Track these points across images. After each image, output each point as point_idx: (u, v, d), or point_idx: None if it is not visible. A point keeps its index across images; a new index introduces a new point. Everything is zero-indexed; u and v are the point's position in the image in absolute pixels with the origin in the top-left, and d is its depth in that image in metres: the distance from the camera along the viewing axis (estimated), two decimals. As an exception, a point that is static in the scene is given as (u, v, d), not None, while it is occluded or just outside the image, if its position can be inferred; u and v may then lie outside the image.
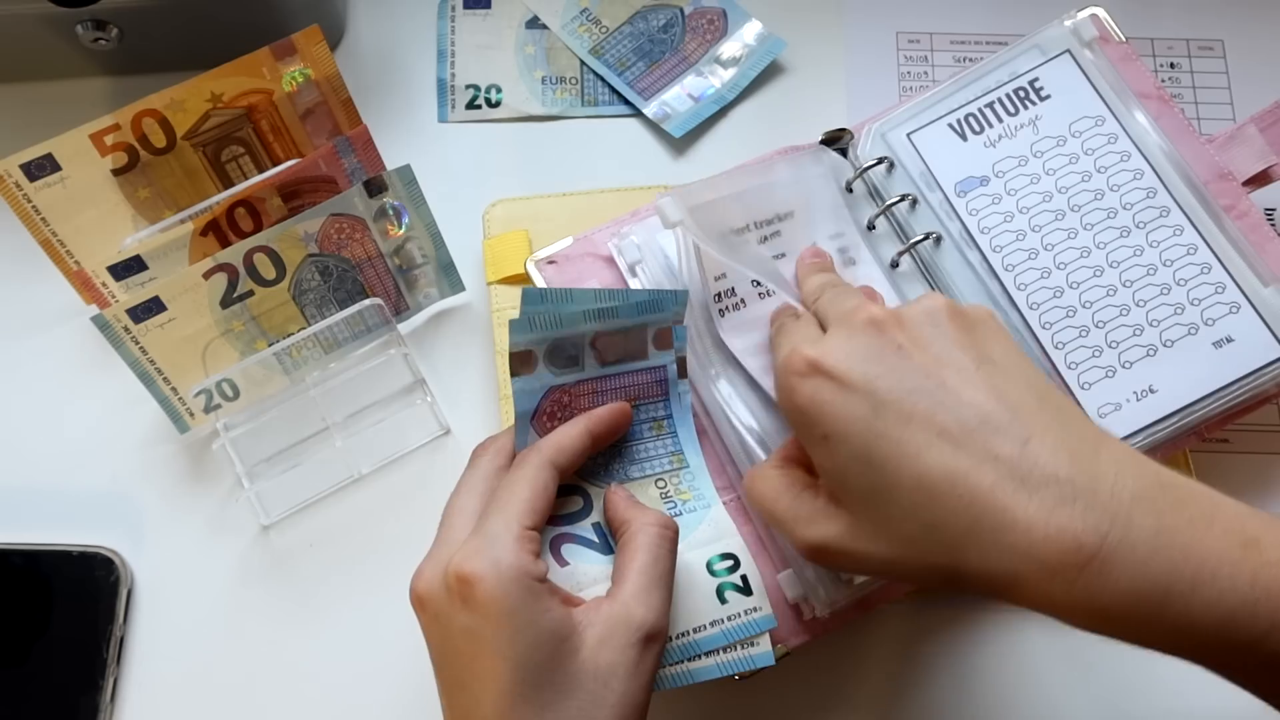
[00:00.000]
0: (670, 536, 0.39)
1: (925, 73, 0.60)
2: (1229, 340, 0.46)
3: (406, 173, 0.50)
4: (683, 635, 0.40)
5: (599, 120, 0.59)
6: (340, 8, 0.60)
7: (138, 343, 0.48)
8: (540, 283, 0.49)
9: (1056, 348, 0.47)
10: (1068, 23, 0.50)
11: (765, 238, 0.46)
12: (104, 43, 0.55)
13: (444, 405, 0.53)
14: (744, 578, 0.41)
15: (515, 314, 0.51)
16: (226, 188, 0.53)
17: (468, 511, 0.38)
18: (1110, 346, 0.46)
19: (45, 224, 0.50)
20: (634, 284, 0.48)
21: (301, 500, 0.52)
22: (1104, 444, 0.33)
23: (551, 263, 0.50)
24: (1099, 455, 0.33)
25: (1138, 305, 0.47)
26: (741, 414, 0.45)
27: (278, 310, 0.51)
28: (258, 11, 0.55)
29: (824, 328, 0.39)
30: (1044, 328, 0.47)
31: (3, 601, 0.49)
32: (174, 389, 0.50)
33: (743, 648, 0.40)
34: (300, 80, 0.51)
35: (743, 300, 0.45)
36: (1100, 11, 0.51)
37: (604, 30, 0.61)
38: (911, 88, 0.60)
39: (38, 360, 0.54)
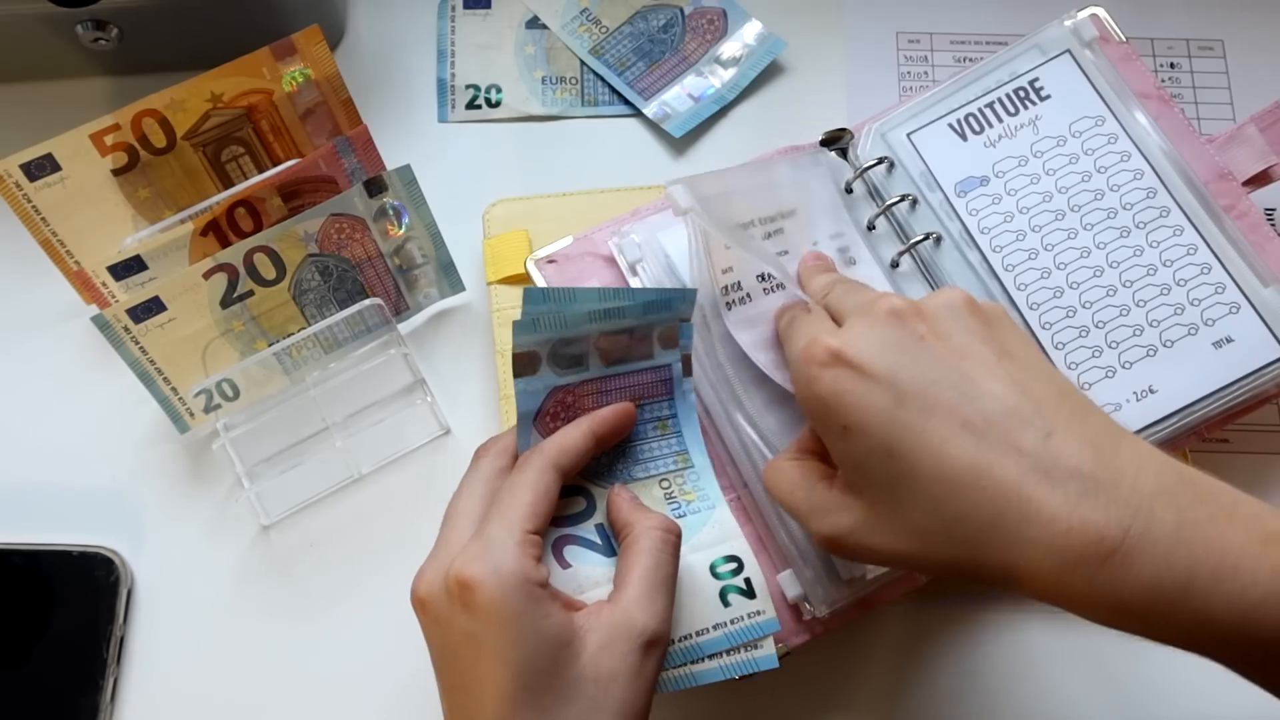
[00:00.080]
0: (673, 541, 0.38)
1: (925, 73, 0.60)
2: (1229, 340, 0.46)
3: (406, 173, 0.50)
4: (685, 638, 0.40)
5: (599, 120, 0.59)
6: (340, 8, 0.60)
7: (138, 343, 0.48)
8: (540, 282, 0.49)
9: (1056, 348, 0.47)
10: (1068, 23, 0.50)
11: (769, 234, 0.46)
12: (104, 43, 0.55)
13: (444, 405, 0.53)
14: (747, 580, 0.41)
15: (517, 313, 0.51)
16: (226, 188, 0.53)
17: (469, 513, 0.38)
18: (1110, 346, 0.46)
19: (45, 224, 0.50)
20: (634, 283, 0.48)
21: (301, 500, 0.52)
22: (1124, 439, 0.33)
23: (551, 262, 0.50)
24: (1119, 450, 0.33)
25: (1138, 305, 0.47)
26: (746, 412, 0.45)
27: (278, 310, 0.51)
28: (258, 11, 0.55)
29: (838, 321, 0.39)
30: (1044, 328, 0.47)
31: (3, 601, 0.49)
32: (174, 389, 0.50)
33: (746, 650, 0.40)
34: (300, 80, 0.51)
35: (748, 295, 0.45)
36: (1100, 11, 0.51)
37: (604, 30, 0.61)
38: (911, 88, 0.60)
39: (38, 360, 0.54)
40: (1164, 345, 0.46)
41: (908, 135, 0.50)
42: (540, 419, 0.41)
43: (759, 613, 0.41)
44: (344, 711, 0.49)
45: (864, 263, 0.48)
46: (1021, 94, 0.50)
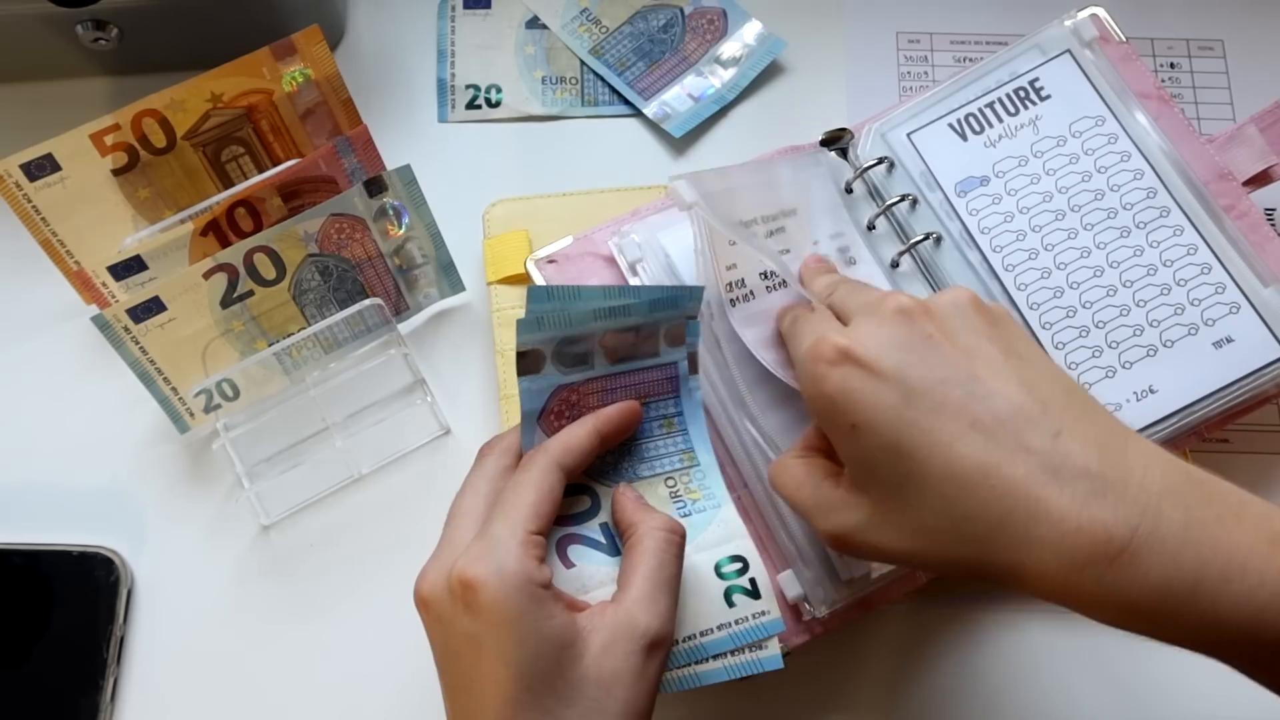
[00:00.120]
0: (677, 542, 0.38)
1: (925, 73, 0.60)
2: (1229, 340, 0.46)
3: (406, 173, 0.50)
4: (689, 639, 0.39)
5: (599, 120, 0.59)
6: (340, 8, 0.60)
7: (138, 343, 0.48)
8: (540, 282, 0.49)
9: (1057, 347, 0.47)
10: (1068, 23, 0.50)
11: (771, 233, 0.46)
12: (104, 43, 0.55)
13: (444, 405, 0.53)
14: (752, 580, 0.41)
15: (517, 313, 0.51)
16: (226, 188, 0.53)
17: (472, 513, 0.38)
18: (1110, 346, 0.46)
19: (45, 224, 0.50)
20: (634, 283, 0.48)
21: (301, 500, 0.52)
22: (1130, 439, 0.33)
23: (551, 262, 0.50)
24: (1127, 450, 0.33)
25: (1138, 305, 0.47)
26: (749, 411, 0.45)
27: (278, 310, 0.51)
28: (258, 11, 0.55)
29: (843, 321, 0.39)
30: (1044, 327, 0.47)
31: (3, 601, 0.49)
32: (174, 389, 0.50)
33: (751, 651, 0.40)
34: (300, 80, 0.51)
35: (751, 292, 0.45)
36: (1100, 11, 0.51)
37: (604, 30, 0.61)
38: (911, 88, 0.60)
39: (38, 360, 0.54)
40: (1164, 345, 0.46)
41: (908, 135, 0.50)
42: (544, 417, 0.40)
43: (764, 613, 0.40)
44: (344, 711, 0.49)
45: (864, 262, 0.48)
46: (1021, 94, 0.50)
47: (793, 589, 0.44)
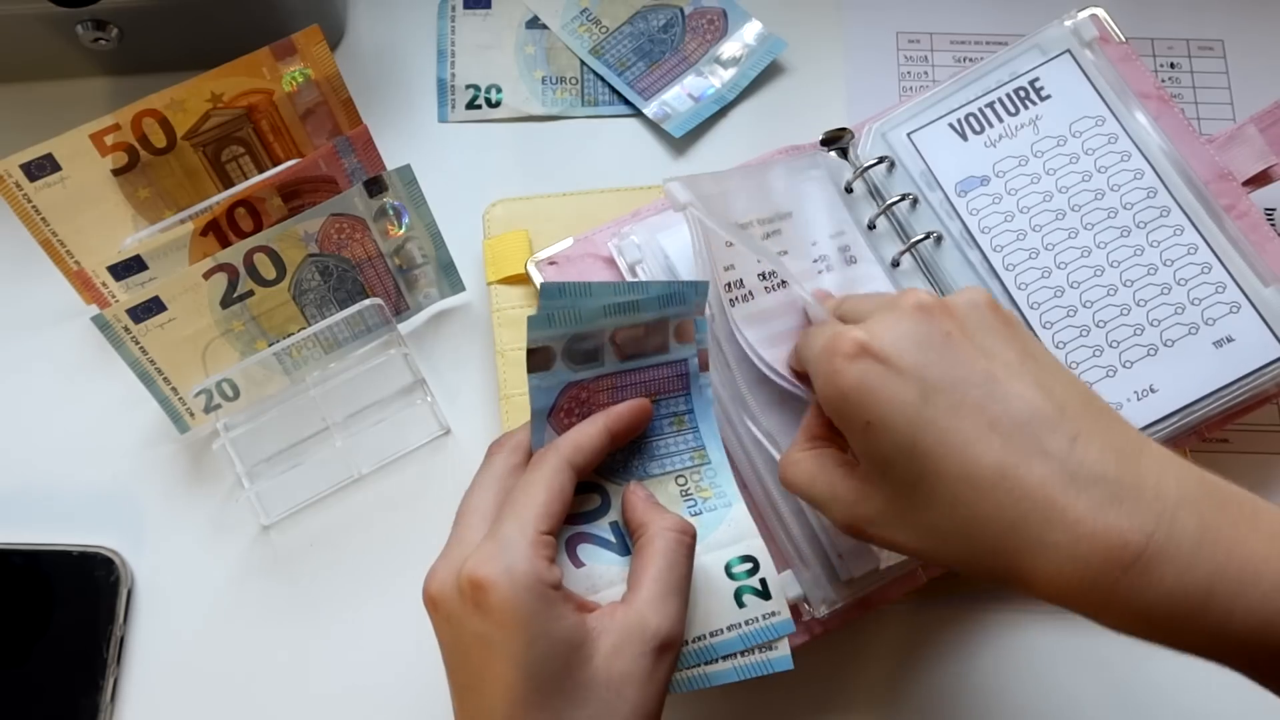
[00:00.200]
0: (688, 543, 0.38)
1: (925, 73, 0.60)
2: (1229, 340, 0.46)
3: (406, 173, 0.50)
4: (699, 639, 0.39)
5: (599, 120, 0.59)
6: (340, 8, 0.60)
7: (138, 343, 0.48)
8: (540, 283, 0.49)
9: (1057, 346, 0.47)
10: (1068, 23, 0.50)
11: (768, 235, 0.46)
12: (104, 43, 0.55)
13: (444, 405, 0.53)
14: (763, 581, 0.40)
15: (517, 313, 0.51)
16: (226, 188, 0.53)
17: (482, 511, 0.37)
18: (1111, 346, 0.46)
19: (45, 224, 0.50)
20: (635, 284, 0.48)
21: (301, 500, 0.51)
22: (1146, 446, 0.33)
23: (552, 263, 0.50)
24: (1142, 456, 0.33)
25: (1138, 305, 0.47)
26: (750, 411, 0.45)
27: (278, 310, 0.51)
28: (258, 11, 0.55)
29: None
30: (1045, 326, 0.47)
31: (3, 601, 0.49)
32: (174, 389, 0.50)
33: (761, 651, 0.40)
34: (300, 80, 0.51)
35: (750, 292, 0.45)
36: (1100, 11, 0.51)
37: (604, 30, 0.61)
38: (911, 88, 0.60)
39: (38, 360, 0.54)
40: (1164, 344, 0.46)
41: (908, 135, 0.50)
42: (554, 415, 0.40)
43: (774, 614, 0.40)
44: (344, 711, 0.49)
45: (865, 261, 0.48)
46: (1022, 94, 0.50)
47: (792, 589, 0.44)
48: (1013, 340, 0.35)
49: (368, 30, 0.61)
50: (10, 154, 0.49)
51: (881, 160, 0.49)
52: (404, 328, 0.55)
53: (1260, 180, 0.49)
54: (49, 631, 0.49)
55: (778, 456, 0.44)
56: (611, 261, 0.49)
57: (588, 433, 0.39)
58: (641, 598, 0.36)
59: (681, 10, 0.61)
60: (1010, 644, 0.49)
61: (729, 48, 0.60)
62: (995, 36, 0.61)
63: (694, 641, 0.39)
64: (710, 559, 0.41)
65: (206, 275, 0.49)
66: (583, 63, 0.60)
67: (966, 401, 0.33)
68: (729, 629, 0.40)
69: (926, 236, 0.48)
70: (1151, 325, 0.46)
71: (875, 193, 0.50)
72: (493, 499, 0.38)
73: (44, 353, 0.54)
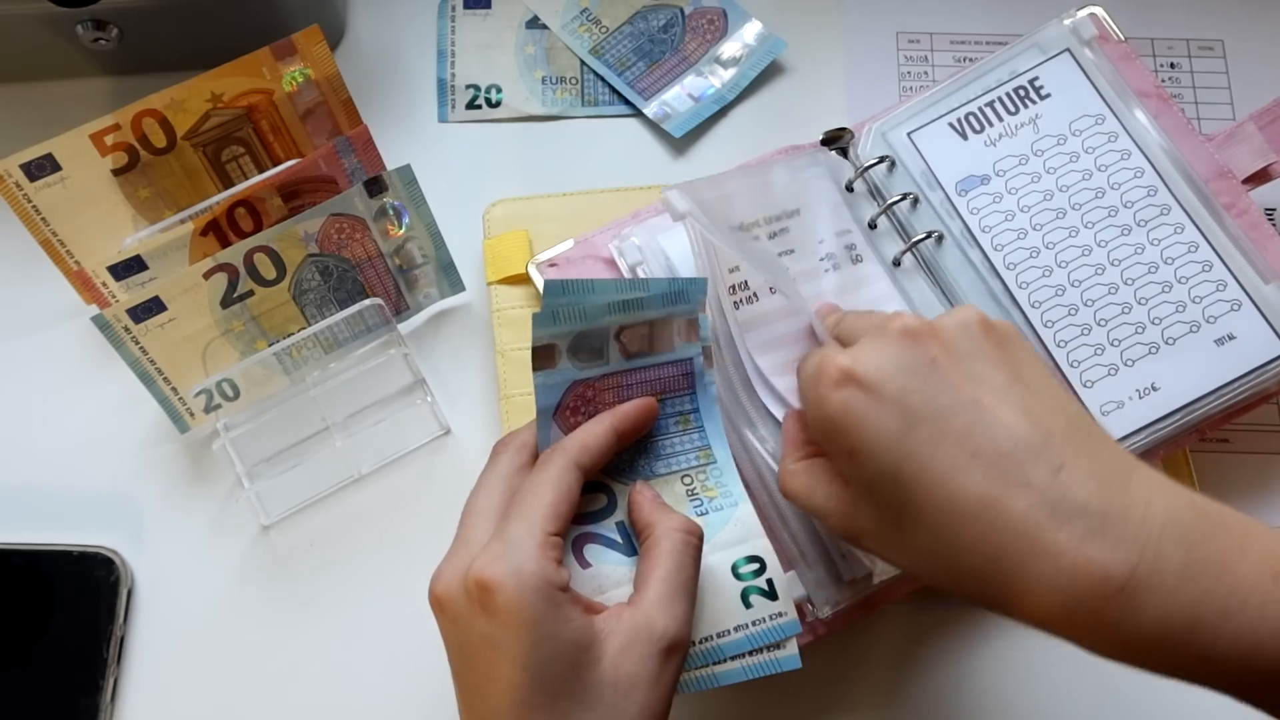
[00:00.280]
0: (695, 544, 0.38)
1: (925, 73, 0.60)
2: (1230, 338, 0.46)
3: (406, 173, 0.50)
4: (706, 640, 0.39)
5: (599, 120, 0.59)
6: (340, 8, 0.60)
7: (138, 343, 0.48)
8: (541, 285, 0.49)
9: (1059, 345, 0.47)
10: (1067, 22, 0.50)
11: (774, 234, 0.46)
12: (104, 43, 0.55)
13: (444, 405, 0.53)
14: (769, 581, 0.40)
15: (516, 313, 0.51)
16: (226, 188, 0.53)
17: (488, 512, 0.37)
18: (1112, 344, 0.46)
19: (45, 224, 0.50)
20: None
21: (301, 500, 0.51)
22: (1135, 471, 0.33)
23: (552, 265, 0.50)
24: (1130, 483, 0.32)
25: (1139, 303, 0.47)
26: (748, 416, 0.45)
27: (278, 310, 0.51)
28: (258, 11, 0.55)
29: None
30: (1046, 326, 0.47)
31: (3, 601, 0.49)
32: (174, 389, 0.50)
33: (769, 651, 0.40)
34: (300, 80, 0.51)
35: (755, 294, 0.45)
36: (1099, 10, 0.51)
37: (604, 30, 0.61)
38: (911, 88, 0.60)
39: (38, 360, 0.54)
40: (1166, 342, 0.46)
41: (908, 134, 0.50)
42: (560, 413, 0.40)
43: (781, 614, 0.40)
44: (344, 711, 0.48)
45: (870, 260, 0.48)
46: (1021, 93, 0.50)
47: (795, 589, 0.44)
48: (1002, 363, 0.35)
49: (368, 30, 0.61)
50: (10, 154, 0.49)
51: (882, 160, 0.49)
52: (404, 328, 0.55)
53: (1260, 178, 0.49)
54: (49, 631, 0.49)
55: (774, 464, 0.44)
56: (612, 263, 0.49)
57: (594, 432, 0.39)
58: (648, 599, 0.36)
59: (681, 10, 0.61)
60: (1012, 644, 0.49)
61: (729, 48, 0.60)
62: (995, 36, 0.61)
63: (701, 642, 0.39)
64: (717, 559, 0.40)
65: (206, 275, 0.49)
66: (583, 63, 0.60)
67: (950, 430, 0.33)
68: (736, 630, 0.40)
69: (927, 236, 0.48)
70: (1153, 323, 0.46)
71: (876, 192, 0.50)
72: (499, 499, 0.38)
73: (44, 353, 0.54)
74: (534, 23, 0.61)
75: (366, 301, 0.52)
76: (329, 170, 0.51)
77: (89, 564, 0.50)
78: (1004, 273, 0.48)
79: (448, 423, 0.53)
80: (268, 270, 0.50)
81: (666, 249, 0.47)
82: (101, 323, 0.47)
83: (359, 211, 0.50)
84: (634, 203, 0.51)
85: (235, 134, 0.52)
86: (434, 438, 0.53)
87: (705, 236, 0.44)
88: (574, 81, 0.60)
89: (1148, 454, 0.46)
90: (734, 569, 0.40)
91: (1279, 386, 0.46)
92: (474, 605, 0.34)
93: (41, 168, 0.49)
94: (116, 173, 0.51)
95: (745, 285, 0.45)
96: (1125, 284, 0.47)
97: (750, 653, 0.40)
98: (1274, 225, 0.50)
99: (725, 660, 0.39)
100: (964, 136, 0.49)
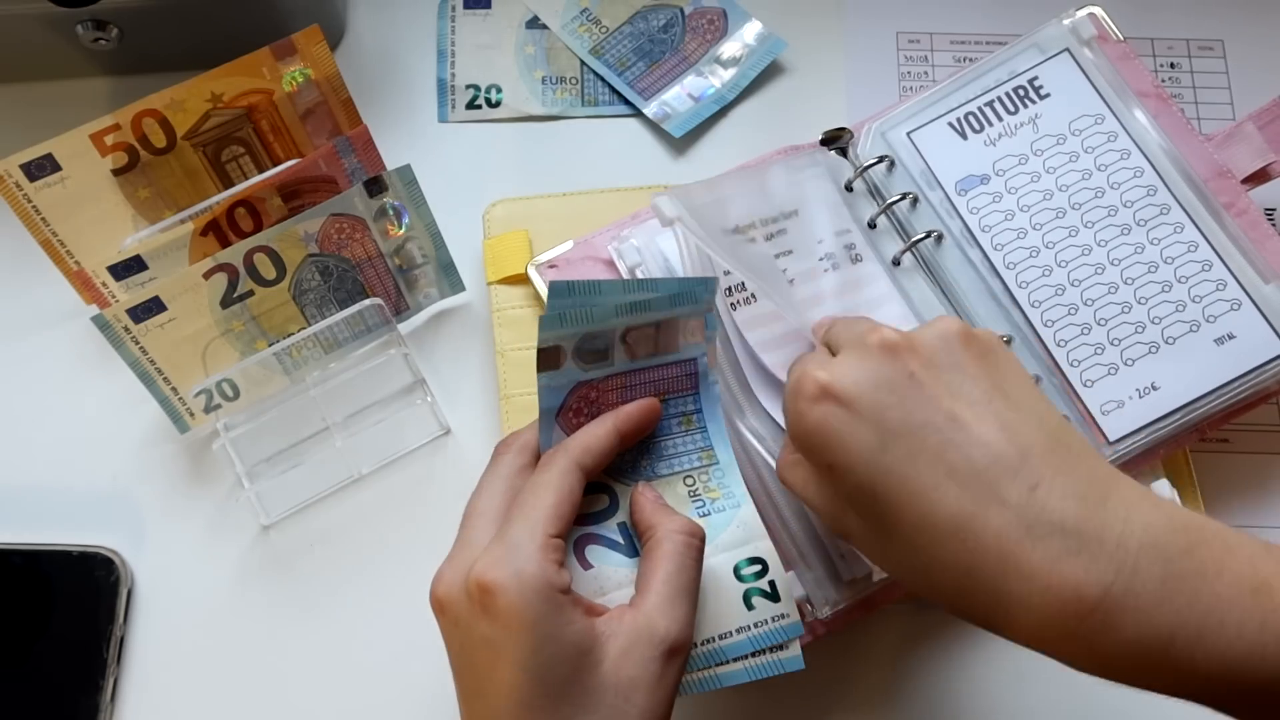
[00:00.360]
0: (697, 546, 0.38)
1: (925, 73, 0.60)
2: (1230, 337, 0.46)
3: (406, 173, 0.50)
4: (708, 642, 0.39)
5: (599, 120, 0.59)
6: (340, 8, 0.60)
7: (138, 343, 0.48)
8: (541, 287, 0.49)
9: (1059, 345, 0.47)
10: (1066, 21, 0.50)
11: (770, 235, 0.46)
12: (104, 43, 0.55)
13: (444, 405, 0.53)
14: (771, 583, 0.40)
15: (516, 313, 0.51)
16: (226, 188, 0.53)
17: (489, 513, 0.37)
18: (1112, 344, 0.46)
19: (45, 224, 0.50)
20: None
21: (301, 500, 0.51)
22: (1114, 486, 0.33)
23: (552, 266, 0.50)
24: (1108, 500, 0.32)
25: (1139, 302, 0.47)
26: (746, 416, 0.45)
27: (278, 310, 0.51)
28: (258, 11, 0.55)
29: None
30: (1046, 325, 0.47)
31: (3, 601, 0.49)
32: (174, 389, 0.50)
33: (771, 653, 0.40)
34: (300, 80, 0.51)
35: (752, 295, 0.45)
36: (1098, 10, 0.51)
37: (604, 30, 0.61)
38: (911, 88, 0.60)
39: (38, 360, 0.54)
40: (1166, 342, 0.46)
41: (908, 134, 0.50)
42: (563, 415, 0.40)
43: (783, 616, 0.40)
44: (344, 711, 0.48)
45: (870, 260, 0.48)
46: (1021, 92, 0.50)
47: (795, 590, 0.44)
48: (981, 376, 0.35)
49: (368, 30, 0.61)
50: (10, 154, 0.49)
51: (881, 159, 0.49)
52: (404, 328, 0.55)
53: (1259, 178, 0.49)
54: (49, 631, 0.49)
55: (771, 461, 0.44)
56: (611, 264, 0.49)
57: (596, 434, 0.39)
58: (650, 601, 0.36)
59: (681, 10, 0.61)
60: (1011, 644, 0.49)
61: (729, 48, 0.60)
62: (995, 36, 0.61)
63: (703, 644, 0.39)
64: (719, 561, 0.40)
65: (206, 275, 0.49)
66: (583, 63, 0.60)
67: (925, 447, 0.33)
68: (738, 631, 0.39)
69: (927, 235, 0.48)
70: (1153, 323, 0.46)
71: (875, 192, 0.50)
72: (500, 500, 0.37)
73: (44, 353, 0.54)
74: (534, 23, 0.61)
75: (366, 301, 0.52)
76: (329, 170, 0.51)
77: (89, 564, 0.50)
78: (1004, 272, 0.48)
79: (448, 423, 0.53)
80: (268, 270, 0.50)
81: (665, 250, 0.47)
82: (101, 323, 0.47)
83: (359, 211, 0.50)
84: (634, 203, 0.51)
85: (235, 134, 0.52)
86: (434, 438, 0.53)
87: (695, 242, 0.43)
88: (574, 81, 0.60)
89: (1148, 453, 0.46)
90: (736, 571, 0.40)
91: (1279, 386, 0.46)
92: (475, 607, 0.34)
93: (41, 168, 0.49)
94: (116, 173, 0.51)
95: (742, 286, 0.45)
96: (1125, 283, 0.47)
97: (753, 654, 0.39)
98: (1273, 225, 0.50)
99: (727, 662, 0.39)
100: (963, 136, 0.49)
